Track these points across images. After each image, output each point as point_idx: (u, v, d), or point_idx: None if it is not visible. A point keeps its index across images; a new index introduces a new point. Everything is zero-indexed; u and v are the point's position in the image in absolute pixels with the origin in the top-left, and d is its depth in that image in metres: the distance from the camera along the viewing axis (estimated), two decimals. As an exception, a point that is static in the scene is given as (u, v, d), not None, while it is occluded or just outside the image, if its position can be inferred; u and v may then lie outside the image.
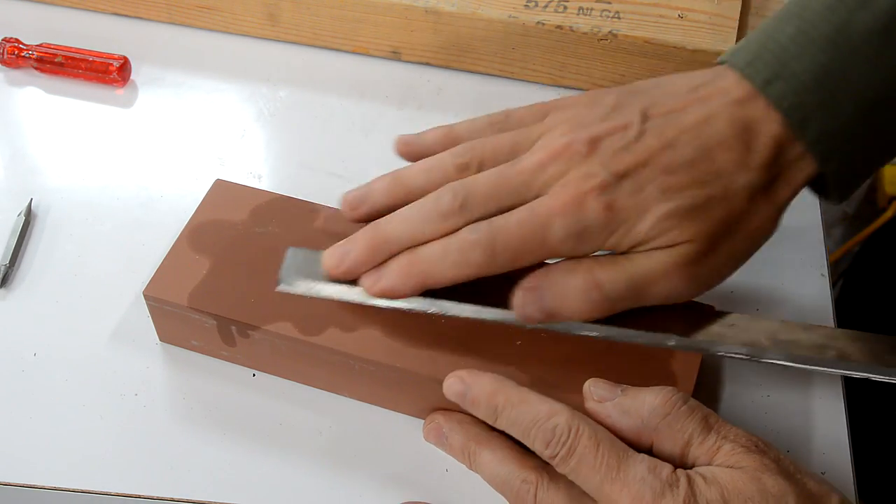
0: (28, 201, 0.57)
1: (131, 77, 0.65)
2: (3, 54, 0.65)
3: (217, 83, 0.65)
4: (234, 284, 0.48)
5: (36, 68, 0.65)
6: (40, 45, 0.65)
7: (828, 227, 0.73)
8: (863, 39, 0.41)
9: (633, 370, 0.45)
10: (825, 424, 0.48)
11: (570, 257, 0.43)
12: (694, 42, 0.60)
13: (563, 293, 0.43)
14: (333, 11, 0.64)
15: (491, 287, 0.44)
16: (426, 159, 0.46)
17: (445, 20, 0.63)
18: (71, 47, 0.65)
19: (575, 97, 0.47)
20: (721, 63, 0.45)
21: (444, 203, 0.44)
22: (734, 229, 0.43)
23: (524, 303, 0.43)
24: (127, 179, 0.59)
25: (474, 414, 0.44)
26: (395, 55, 0.66)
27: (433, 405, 0.47)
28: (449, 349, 0.46)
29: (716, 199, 0.42)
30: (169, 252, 0.49)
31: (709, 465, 0.40)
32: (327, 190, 0.53)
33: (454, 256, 0.43)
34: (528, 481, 0.42)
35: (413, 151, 0.49)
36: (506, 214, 0.43)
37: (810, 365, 0.44)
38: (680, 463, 0.41)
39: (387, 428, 0.48)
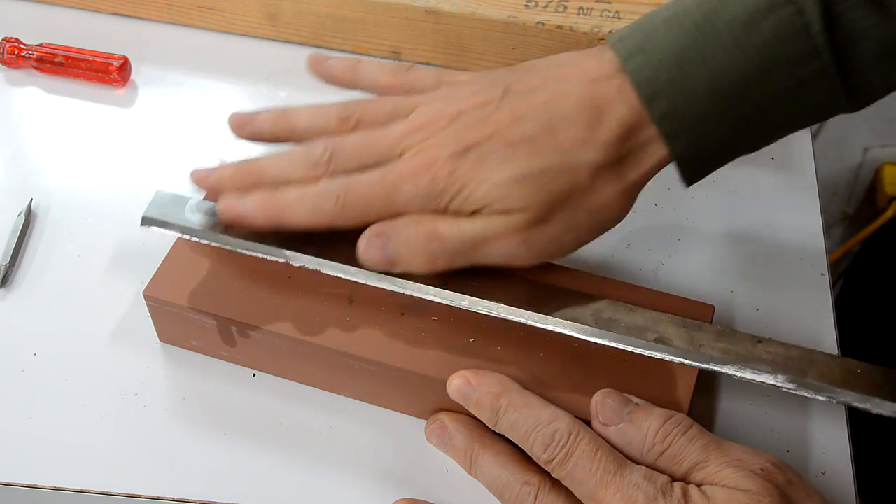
0: (28, 201, 0.57)
1: (131, 77, 0.65)
2: (3, 54, 0.65)
3: (217, 83, 0.65)
4: (233, 284, 0.48)
5: (36, 68, 0.65)
6: (40, 45, 0.65)
7: (828, 227, 0.73)
8: (727, 27, 0.42)
9: (633, 371, 0.45)
10: (825, 424, 0.48)
11: None
12: (694, 42, 0.60)
13: (406, 241, 0.45)
14: (333, 11, 0.64)
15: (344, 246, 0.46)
16: (314, 105, 0.49)
17: (445, 20, 0.63)
18: (71, 47, 0.65)
19: (466, 73, 0.49)
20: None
21: (314, 154, 0.47)
22: (574, 203, 0.44)
23: (367, 246, 0.46)
24: (127, 179, 0.59)
25: (477, 415, 0.44)
26: (395, 55, 0.66)
27: (433, 405, 0.47)
28: (449, 349, 0.46)
29: (552, 171, 0.44)
30: (169, 252, 0.49)
31: (710, 486, 0.40)
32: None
33: (309, 202, 0.46)
34: (530, 483, 0.42)
35: (321, 71, 0.53)
36: (363, 172, 0.46)
37: (626, 345, 0.45)
38: None
39: (387, 428, 0.48)
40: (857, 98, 0.43)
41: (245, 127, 0.50)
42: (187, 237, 0.49)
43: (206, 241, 0.48)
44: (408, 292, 0.46)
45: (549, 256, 0.46)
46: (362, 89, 0.52)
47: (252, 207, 0.47)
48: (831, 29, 0.41)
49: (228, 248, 0.48)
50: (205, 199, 0.49)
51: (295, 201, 0.46)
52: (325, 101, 0.50)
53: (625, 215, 0.46)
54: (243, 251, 0.48)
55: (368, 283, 0.46)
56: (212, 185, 0.49)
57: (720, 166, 0.45)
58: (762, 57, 0.42)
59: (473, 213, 0.45)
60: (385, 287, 0.46)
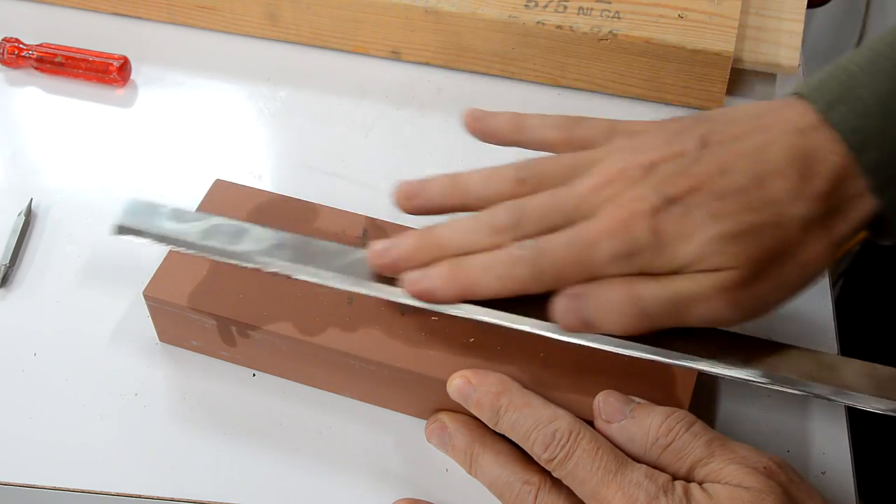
0: (28, 201, 0.57)
1: (131, 77, 0.65)
2: (3, 54, 0.65)
3: (217, 83, 0.65)
4: (233, 284, 0.48)
5: (36, 68, 0.65)
6: (40, 45, 0.65)
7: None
8: None
9: (633, 371, 0.45)
10: (825, 424, 0.48)
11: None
12: (694, 42, 0.60)
13: (604, 304, 0.42)
14: (333, 11, 0.64)
15: (530, 305, 0.44)
16: (487, 168, 0.46)
17: (445, 20, 0.63)
18: (71, 47, 0.65)
19: (643, 122, 0.47)
20: (793, 94, 0.45)
21: (498, 219, 0.44)
22: (784, 259, 0.42)
23: (565, 309, 0.43)
24: (127, 179, 0.59)
25: (477, 415, 0.44)
26: (395, 55, 0.66)
27: (433, 405, 0.47)
28: (449, 349, 0.46)
29: (765, 227, 0.41)
30: (169, 252, 0.49)
31: (712, 483, 0.40)
32: (327, 190, 0.53)
33: (500, 269, 0.43)
34: (530, 483, 0.42)
35: (481, 129, 0.49)
36: (555, 233, 0.43)
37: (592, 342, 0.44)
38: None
39: (387, 428, 0.48)
40: None
41: (414, 199, 0.47)
42: (165, 246, 0.48)
43: (184, 251, 0.47)
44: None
45: (754, 316, 0.43)
46: (527, 147, 0.48)
47: (438, 281, 0.44)
48: None
49: (212, 257, 0.47)
50: (382, 273, 0.46)
51: (484, 270, 0.43)
52: (496, 165, 0.47)
53: (828, 269, 0.43)
54: (231, 261, 0.47)
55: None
56: (393, 262, 0.45)
57: None
58: None
59: (677, 272, 0.42)
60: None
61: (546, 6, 0.62)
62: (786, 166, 0.42)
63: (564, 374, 0.45)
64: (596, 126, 0.47)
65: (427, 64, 0.66)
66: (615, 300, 0.42)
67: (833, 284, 0.55)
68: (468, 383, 0.44)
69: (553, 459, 0.41)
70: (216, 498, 0.46)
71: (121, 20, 0.69)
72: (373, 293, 0.46)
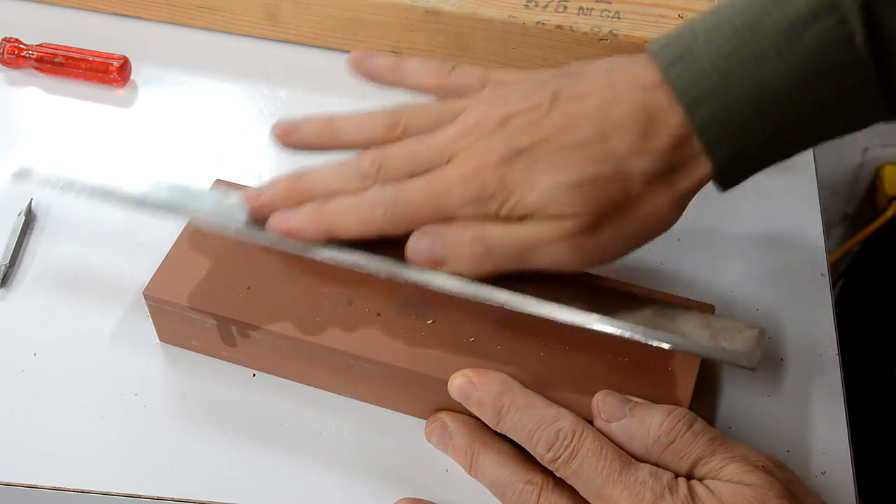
0: (28, 201, 0.57)
1: (131, 77, 0.65)
2: (3, 54, 0.65)
3: (217, 83, 0.65)
4: (234, 284, 0.48)
5: (36, 68, 0.65)
6: (40, 45, 0.65)
7: (828, 227, 0.73)
8: (769, 36, 0.42)
9: (633, 371, 0.45)
10: (825, 424, 0.48)
11: None
12: (694, 42, 0.60)
13: (454, 241, 0.45)
14: (333, 11, 0.64)
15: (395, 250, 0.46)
16: (361, 112, 0.49)
17: (445, 20, 0.63)
18: (71, 47, 0.65)
19: (514, 73, 0.49)
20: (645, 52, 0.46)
21: (363, 165, 0.47)
22: (625, 210, 0.44)
23: (416, 243, 0.45)
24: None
25: (478, 415, 0.44)
26: (395, 55, 0.66)
27: (433, 405, 0.47)
28: (449, 349, 0.46)
29: (606, 178, 0.43)
30: (169, 252, 0.49)
31: (713, 480, 0.40)
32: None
33: (359, 211, 0.46)
34: (532, 483, 0.42)
35: (363, 68, 0.52)
36: (411, 179, 0.46)
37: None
38: None
39: (387, 428, 0.48)
40: None
41: (290, 136, 0.50)
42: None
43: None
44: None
45: (597, 263, 0.45)
46: (405, 89, 0.51)
47: (303, 221, 0.46)
48: (874, 39, 0.41)
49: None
50: (256, 217, 0.48)
51: (345, 212, 0.46)
52: (370, 109, 0.49)
53: (673, 224, 0.45)
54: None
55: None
56: (263, 203, 0.48)
57: (754, 174, 0.45)
58: (804, 66, 0.42)
59: (523, 218, 0.44)
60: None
61: (546, 6, 0.62)
62: (628, 122, 0.43)
63: (565, 374, 0.45)
64: (469, 74, 0.50)
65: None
66: (463, 239, 0.45)
67: (833, 284, 0.55)
68: (470, 383, 0.44)
69: (557, 459, 0.41)
70: (216, 498, 0.46)
71: (121, 20, 0.69)
72: (245, 236, 0.48)
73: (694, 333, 0.45)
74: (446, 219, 0.45)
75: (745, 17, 0.43)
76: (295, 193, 0.47)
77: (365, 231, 0.46)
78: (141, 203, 0.49)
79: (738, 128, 0.43)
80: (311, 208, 0.47)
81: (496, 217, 0.44)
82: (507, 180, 0.44)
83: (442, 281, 0.46)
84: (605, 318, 0.45)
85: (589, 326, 0.45)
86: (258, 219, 0.48)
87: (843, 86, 0.42)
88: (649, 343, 0.44)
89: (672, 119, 0.43)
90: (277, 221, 0.47)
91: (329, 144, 0.49)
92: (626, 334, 0.45)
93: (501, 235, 0.44)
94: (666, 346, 0.44)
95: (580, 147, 0.43)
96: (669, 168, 0.44)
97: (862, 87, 0.42)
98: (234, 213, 0.48)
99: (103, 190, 0.50)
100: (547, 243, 0.44)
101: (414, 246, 0.45)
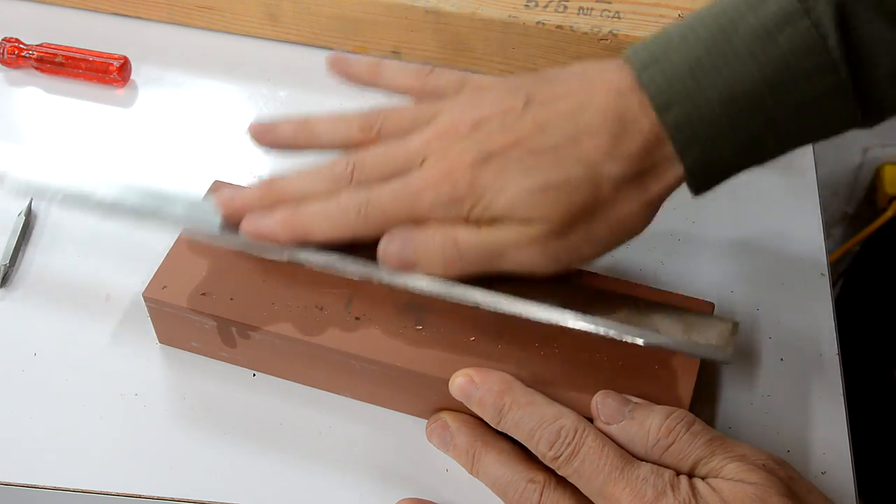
0: (28, 201, 0.57)
1: (131, 77, 0.65)
2: (3, 54, 0.65)
3: (217, 83, 0.65)
4: (233, 285, 0.48)
5: (36, 68, 0.65)
6: (40, 45, 0.65)
7: (828, 227, 0.73)
8: (742, 39, 0.42)
9: (633, 371, 0.45)
10: (825, 424, 0.48)
11: None
12: (694, 42, 0.60)
13: (424, 244, 0.45)
14: (333, 11, 0.64)
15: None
16: (336, 113, 0.49)
17: (445, 20, 0.63)
18: (71, 47, 0.65)
19: (490, 79, 0.49)
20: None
21: (337, 168, 0.47)
22: (595, 215, 0.44)
23: (387, 246, 0.45)
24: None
25: (479, 414, 0.44)
26: (395, 55, 0.66)
27: (434, 405, 0.47)
28: (449, 349, 0.46)
29: (575, 182, 0.43)
30: (168, 253, 0.49)
31: (715, 479, 0.40)
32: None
33: (331, 214, 0.46)
34: (534, 481, 0.42)
35: (343, 71, 0.52)
36: (384, 183, 0.46)
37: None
38: None
39: (387, 428, 0.48)
40: (871, 114, 0.43)
41: (266, 135, 0.50)
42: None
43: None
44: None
45: (567, 267, 0.45)
46: (382, 90, 0.52)
47: (275, 225, 0.46)
48: (847, 43, 0.41)
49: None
50: (230, 222, 0.48)
51: (317, 215, 0.46)
52: (345, 109, 0.49)
53: (645, 228, 0.45)
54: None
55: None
56: (238, 207, 0.48)
57: (728, 178, 0.45)
58: (777, 69, 0.41)
59: (493, 221, 0.44)
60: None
61: (546, 6, 0.62)
62: (599, 126, 0.43)
63: (565, 372, 0.45)
64: (447, 78, 0.50)
65: (427, 64, 0.66)
66: (434, 241, 0.45)
67: (833, 284, 0.55)
68: (471, 382, 0.44)
69: (559, 457, 0.41)
70: (216, 498, 0.46)
71: (121, 20, 0.69)
72: (219, 240, 0.48)
73: (667, 328, 0.45)
74: (418, 221, 0.45)
75: (720, 20, 0.42)
76: (268, 197, 0.48)
77: (338, 234, 0.46)
78: (113, 209, 0.50)
79: (710, 130, 0.42)
80: (284, 212, 0.47)
81: (467, 220, 0.44)
82: (477, 183, 0.44)
83: (414, 282, 0.46)
84: (579, 315, 0.45)
85: (562, 324, 0.45)
86: (232, 223, 0.48)
87: (816, 90, 0.42)
88: (623, 339, 0.45)
89: (644, 122, 0.43)
90: (250, 225, 0.47)
91: (304, 145, 0.49)
92: (600, 331, 0.45)
93: (471, 238, 0.44)
94: (640, 341, 0.44)
95: (550, 151, 0.43)
96: (640, 172, 0.43)
97: (836, 91, 0.42)
98: (208, 217, 0.48)
99: (75, 196, 0.50)
100: (516, 247, 0.44)
101: (385, 249, 0.45)
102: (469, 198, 0.44)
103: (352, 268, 0.47)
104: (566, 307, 0.45)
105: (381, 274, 0.46)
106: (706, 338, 0.45)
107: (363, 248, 0.46)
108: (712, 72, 0.42)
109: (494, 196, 0.43)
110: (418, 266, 0.45)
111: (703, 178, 0.44)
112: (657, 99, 0.43)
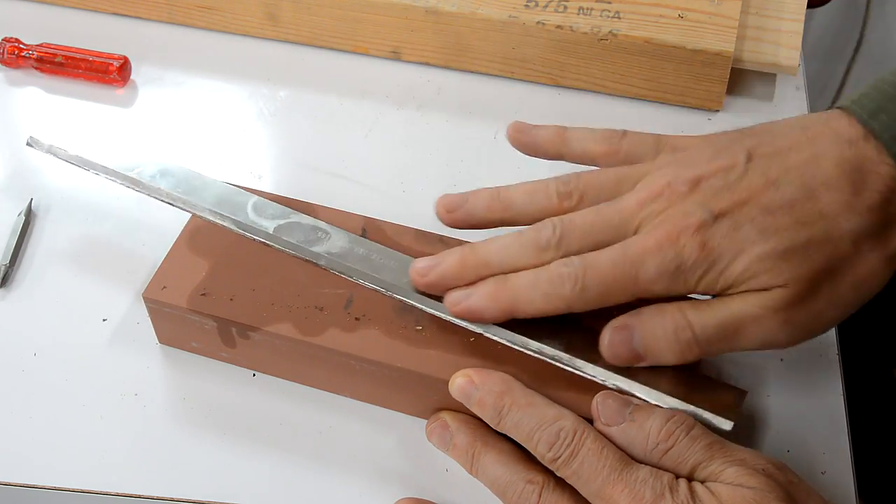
0: (28, 201, 0.57)
1: (131, 77, 0.65)
2: (3, 54, 0.65)
3: (217, 83, 0.65)
4: (233, 286, 0.48)
5: (36, 68, 0.65)
6: (40, 45, 0.65)
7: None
8: None
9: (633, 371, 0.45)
10: (825, 424, 0.48)
11: (663, 299, 0.43)
12: (694, 42, 0.60)
13: (653, 333, 0.42)
14: (333, 11, 0.64)
15: (576, 328, 0.44)
16: (531, 182, 0.46)
17: (445, 20, 0.63)
18: (71, 47, 0.65)
19: (689, 137, 0.46)
20: (835, 107, 0.44)
21: (543, 235, 0.44)
22: (837, 275, 0.41)
23: (613, 342, 0.42)
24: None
25: (479, 414, 0.44)
26: (395, 55, 0.66)
27: (433, 405, 0.47)
28: (449, 349, 0.46)
29: (816, 242, 0.40)
30: (168, 254, 0.49)
31: (714, 483, 0.40)
32: (327, 190, 0.53)
33: (544, 287, 0.42)
34: (533, 482, 0.42)
35: (525, 141, 0.49)
36: (600, 251, 0.42)
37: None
38: None
39: (387, 428, 0.48)
40: None
41: (456, 211, 0.46)
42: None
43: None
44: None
45: (810, 335, 0.42)
46: (571, 160, 0.48)
47: (483, 300, 0.43)
48: None
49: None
50: (424, 293, 0.46)
51: (528, 288, 0.43)
52: (538, 178, 0.46)
53: (885, 284, 0.42)
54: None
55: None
56: (436, 281, 0.45)
57: None
58: None
59: (727, 289, 0.41)
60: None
61: (546, 6, 0.62)
62: (836, 178, 0.41)
63: (565, 373, 0.45)
64: (642, 140, 0.47)
65: (427, 64, 0.66)
66: (664, 328, 0.42)
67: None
68: (471, 382, 0.44)
69: (558, 458, 0.41)
70: (216, 498, 0.46)
71: (121, 20, 0.69)
72: (423, 308, 0.46)
73: (669, 387, 0.43)
74: (640, 293, 0.42)
75: None
76: (470, 270, 0.44)
77: (551, 308, 0.43)
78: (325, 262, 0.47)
79: None
80: (492, 285, 0.43)
81: (695, 289, 0.41)
82: (708, 247, 0.40)
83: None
84: (584, 363, 0.44)
85: (566, 367, 0.44)
86: (430, 293, 0.45)
87: None
88: (619, 387, 0.43)
89: (881, 172, 0.41)
90: (455, 302, 0.44)
91: (499, 219, 0.46)
92: (598, 379, 0.43)
93: (706, 319, 0.41)
94: (640, 394, 0.43)
95: (787, 208, 0.41)
96: (881, 225, 0.41)
97: None
98: (404, 284, 0.46)
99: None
100: (757, 319, 0.41)
101: (610, 344, 0.42)
102: (700, 264, 0.41)
103: (557, 356, 0.44)
104: (569, 351, 0.44)
105: (581, 366, 0.44)
106: (708, 404, 0.42)
107: (556, 329, 0.44)
108: None
109: (730, 261, 0.40)
110: (648, 358, 0.42)
111: None
112: (894, 147, 0.41)
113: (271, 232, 0.48)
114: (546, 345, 0.44)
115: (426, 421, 0.47)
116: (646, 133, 0.47)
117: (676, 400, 0.42)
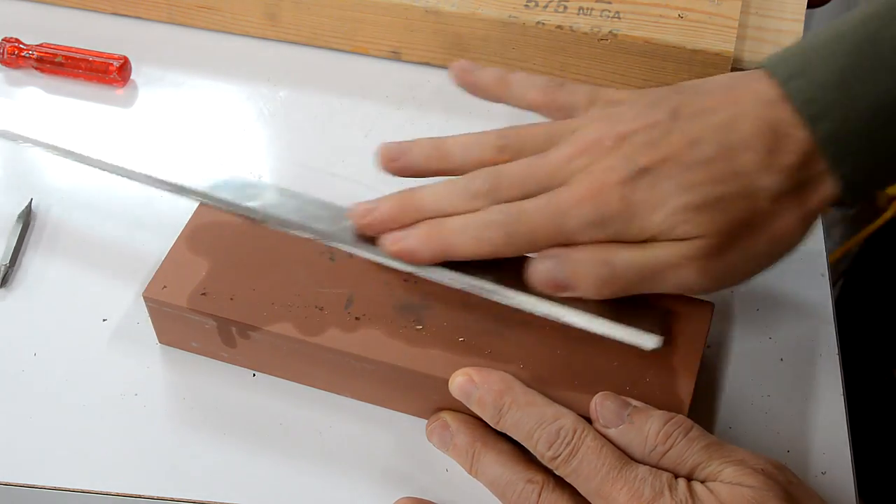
0: (28, 201, 0.57)
1: (131, 77, 0.65)
2: (3, 54, 0.65)
3: (217, 83, 0.65)
4: (233, 285, 0.48)
5: (36, 68, 0.65)
6: (40, 45, 0.65)
7: (828, 227, 0.73)
8: (889, 49, 0.41)
9: (634, 370, 0.45)
10: (825, 424, 0.48)
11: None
12: (694, 42, 0.60)
13: (577, 266, 0.44)
14: (333, 11, 0.64)
15: (508, 265, 0.46)
16: (470, 134, 0.48)
17: (445, 20, 0.63)
18: (71, 47, 0.65)
19: (623, 91, 0.48)
20: (759, 68, 0.45)
21: (476, 184, 0.46)
22: (754, 230, 0.43)
23: (538, 269, 0.44)
24: (127, 179, 0.59)
25: (479, 413, 0.44)
26: (395, 55, 0.66)
27: (433, 404, 0.47)
28: (449, 348, 0.46)
29: (733, 197, 0.42)
30: (168, 253, 0.49)
31: (713, 482, 0.40)
32: (327, 190, 0.53)
33: (474, 232, 0.45)
34: (533, 482, 0.42)
35: (468, 80, 0.51)
36: (528, 199, 0.44)
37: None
38: None
39: (387, 428, 0.48)
40: None
41: (396, 160, 0.48)
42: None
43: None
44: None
45: (726, 285, 0.45)
46: (510, 104, 0.50)
47: (417, 242, 0.46)
48: None
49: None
50: (363, 233, 0.48)
51: (459, 232, 0.45)
52: (477, 130, 0.48)
53: (800, 242, 0.44)
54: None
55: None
56: (374, 222, 0.47)
57: (882, 189, 0.44)
58: None
59: (647, 240, 0.43)
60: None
61: (546, 6, 0.62)
62: (754, 139, 0.43)
63: (565, 372, 0.45)
64: (578, 92, 0.48)
65: (427, 64, 0.66)
66: (587, 262, 0.43)
67: (833, 284, 0.55)
68: (470, 381, 0.44)
69: (557, 457, 0.41)
70: (216, 498, 0.46)
71: (121, 20, 0.69)
72: (354, 251, 0.48)
73: (606, 312, 0.45)
74: (564, 241, 0.44)
75: (863, 31, 0.42)
76: (406, 212, 0.46)
77: (481, 252, 0.45)
78: (266, 220, 0.49)
79: (861, 142, 0.42)
80: (426, 228, 0.46)
81: (618, 239, 0.43)
82: (629, 201, 0.43)
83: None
84: (513, 292, 0.45)
85: (496, 297, 0.45)
86: (367, 236, 0.47)
87: None
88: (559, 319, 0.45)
89: (798, 134, 0.42)
90: (391, 242, 0.46)
91: (437, 168, 0.48)
92: (526, 308, 0.45)
93: (627, 259, 0.43)
94: (576, 321, 0.45)
95: (704, 165, 0.42)
96: (797, 185, 0.43)
97: None
98: (341, 229, 0.48)
99: (231, 206, 0.50)
100: (674, 266, 0.43)
101: (537, 269, 0.44)
102: (621, 217, 0.43)
103: (487, 286, 0.46)
104: (499, 283, 0.46)
105: (510, 295, 0.45)
106: (635, 323, 0.44)
107: (486, 265, 0.45)
108: (860, 82, 0.41)
109: (649, 215, 0.42)
110: (571, 288, 0.44)
111: (855, 192, 0.43)
112: (806, 111, 0.42)
113: (204, 190, 0.50)
114: (475, 276, 0.46)
115: (426, 421, 0.47)
116: (583, 85, 0.49)
117: (603, 320, 0.44)
